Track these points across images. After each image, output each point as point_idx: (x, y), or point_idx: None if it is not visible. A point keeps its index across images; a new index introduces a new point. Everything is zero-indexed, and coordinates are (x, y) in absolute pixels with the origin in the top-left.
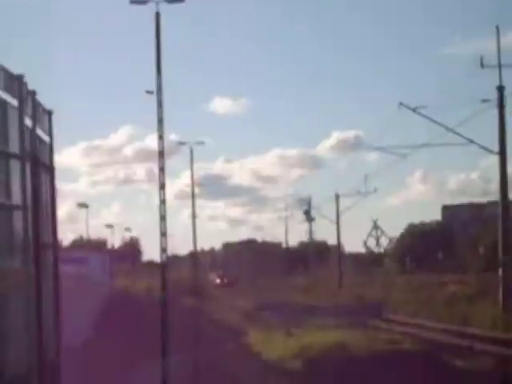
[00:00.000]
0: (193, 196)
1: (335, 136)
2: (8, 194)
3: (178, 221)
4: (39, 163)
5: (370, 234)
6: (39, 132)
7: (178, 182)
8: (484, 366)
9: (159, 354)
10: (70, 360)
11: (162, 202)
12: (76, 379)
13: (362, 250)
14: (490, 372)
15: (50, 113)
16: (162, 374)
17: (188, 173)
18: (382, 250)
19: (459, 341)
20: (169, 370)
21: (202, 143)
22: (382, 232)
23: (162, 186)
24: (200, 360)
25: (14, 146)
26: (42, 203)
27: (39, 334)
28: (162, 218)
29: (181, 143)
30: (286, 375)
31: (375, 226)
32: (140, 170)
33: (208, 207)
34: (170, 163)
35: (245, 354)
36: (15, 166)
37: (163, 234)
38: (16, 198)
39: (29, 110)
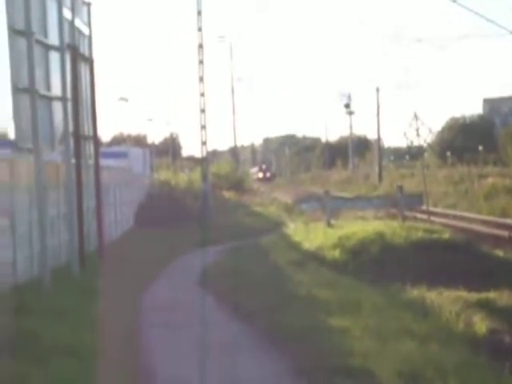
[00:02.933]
0: (232, 90)
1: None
2: (48, 85)
3: (219, 116)
4: (78, 55)
5: (410, 125)
6: (78, 24)
7: (219, 77)
8: None
9: (199, 243)
10: (113, 251)
11: (202, 94)
12: (119, 269)
13: (403, 144)
14: None
15: (88, 4)
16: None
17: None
18: (422, 142)
19: (499, 231)
20: (210, 257)
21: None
22: (422, 123)
23: (201, 79)
24: (241, 249)
25: (53, 38)
26: (81, 95)
27: (80, 225)
28: (202, 110)
29: (220, 37)
30: (326, 263)
31: (415, 117)
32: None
33: (248, 102)
34: (210, 57)
35: (285, 243)
36: (54, 57)
37: (203, 127)
38: (56, 90)
39: (68, 1)
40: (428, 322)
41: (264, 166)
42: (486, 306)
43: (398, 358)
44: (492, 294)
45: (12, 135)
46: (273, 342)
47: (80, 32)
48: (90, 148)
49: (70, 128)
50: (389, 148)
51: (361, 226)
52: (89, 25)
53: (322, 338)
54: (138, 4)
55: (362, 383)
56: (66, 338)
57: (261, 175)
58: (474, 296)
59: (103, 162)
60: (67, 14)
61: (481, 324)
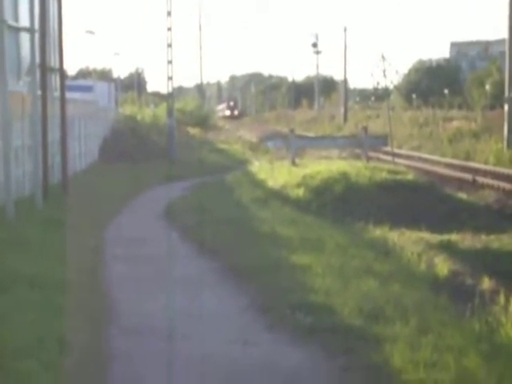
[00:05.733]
0: (200, 25)
1: None
2: (15, 16)
3: (185, 52)
4: None
5: (377, 66)
6: None
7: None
8: (486, 199)
9: (163, 178)
10: (77, 183)
11: (169, 29)
12: (82, 201)
13: (369, 85)
14: (492, 203)
15: None
16: (172, 196)
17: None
18: (388, 84)
19: (462, 174)
20: (174, 192)
21: None
22: (389, 64)
23: (169, 13)
24: (205, 185)
25: None
26: (49, 27)
27: (44, 156)
28: (169, 45)
29: None
30: (290, 202)
31: (382, 58)
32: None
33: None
34: None
35: (249, 181)
36: None
37: (169, 62)
38: (24, 21)
39: None
40: (390, 262)
41: (232, 103)
42: (448, 248)
43: (359, 296)
44: (454, 236)
45: None
46: (235, 278)
47: None
48: (56, 80)
49: (37, 60)
50: (355, 89)
51: (325, 166)
52: None
53: (283, 275)
54: None
55: (322, 320)
56: (28, 268)
57: (228, 113)
58: (436, 237)
59: (68, 95)
60: None
61: (442, 265)
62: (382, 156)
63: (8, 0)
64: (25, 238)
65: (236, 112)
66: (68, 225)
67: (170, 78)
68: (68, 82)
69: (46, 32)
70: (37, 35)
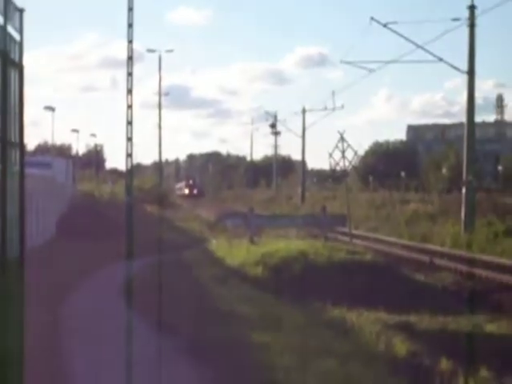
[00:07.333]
0: (160, 103)
1: (299, 51)
2: None
3: (143, 131)
4: (9, 60)
5: (335, 147)
6: (10, 29)
7: (142, 92)
8: (443, 281)
9: (121, 256)
10: (34, 259)
11: (129, 106)
12: (40, 277)
13: (326, 166)
14: (449, 285)
15: (21, 10)
16: (126, 273)
17: (151, 83)
18: (347, 164)
19: (419, 256)
20: (132, 271)
21: (170, 51)
22: (348, 145)
23: (130, 91)
24: (163, 263)
25: None
26: (10, 101)
27: (2, 232)
28: (129, 123)
29: (150, 50)
30: (248, 280)
31: (341, 139)
32: (104, 78)
33: (172, 118)
34: (134, 72)
35: (208, 258)
36: None
37: (129, 139)
38: None
39: (0, 6)
40: (348, 342)
41: (191, 182)
42: (407, 329)
43: (318, 375)
44: (412, 317)
45: None
46: (194, 357)
47: (11, 37)
48: (15, 155)
49: None
50: (312, 169)
51: (284, 245)
52: (20, 31)
53: (243, 353)
54: (69, 12)
55: None
56: None
57: (187, 191)
58: (394, 318)
59: (27, 170)
60: None
61: (401, 346)
62: (339, 236)
63: None
64: None
65: (195, 191)
66: (22, 300)
67: (129, 155)
68: (26, 158)
69: (7, 106)
70: None
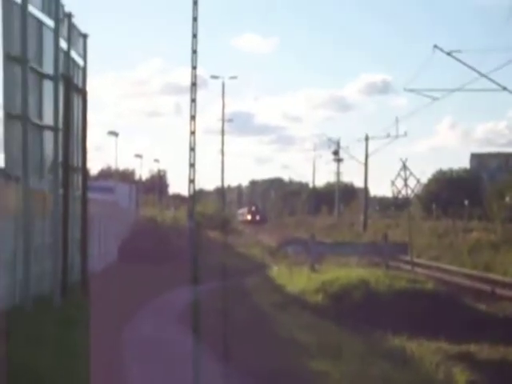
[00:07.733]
0: (223, 129)
1: (363, 78)
2: (40, 114)
3: (206, 156)
4: (72, 85)
5: (398, 175)
6: (73, 55)
7: (205, 118)
8: (505, 311)
9: (183, 281)
10: (96, 283)
11: (192, 133)
12: (103, 303)
13: (389, 193)
14: (511, 316)
15: (85, 36)
16: (193, 299)
17: (214, 109)
18: (409, 192)
19: (481, 285)
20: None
21: (234, 78)
22: (411, 173)
23: (193, 118)
24: (227, 289)
25: (48, 67)
26: (73, 126)
27: (64, 255)
28: (192, 149)
29: (213, 77)
30: (308, 308)
31: (404, 167)
32: (167, 104)
33: (235, 144)
34: (197, 98)
35: (268, 285)
36: (48, 86)
37: (192, 165)
38: (48, 119)
39: (64, 31)
40: (408, 371)
41: (253, 208)
42: (467, 359)
43: None
44: (473, 347)
45: (1, 162)
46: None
47: (75, 63)
48: (78, 179)
49: (60, 158)
50: (375, 197)
51: (344, 272)
52: (84, 56)
53: (302, 381)
54: (133, 37)
55: None
56: (43, 367)
57: (249, 217)
58: (454, 348)
59: (90, 195)
60: (63, 44)
61: (460, 376)
62: (401, 265)
63: (32, 98)
64: (41, 335)
65: (258, 217)
66: (85, 324)
67: (191, 181)
68: (90, 183)
69: (70, 131)
70: (60, 134)
